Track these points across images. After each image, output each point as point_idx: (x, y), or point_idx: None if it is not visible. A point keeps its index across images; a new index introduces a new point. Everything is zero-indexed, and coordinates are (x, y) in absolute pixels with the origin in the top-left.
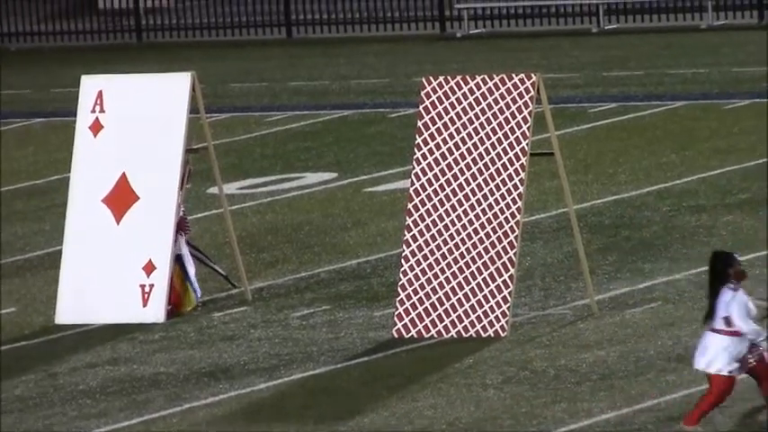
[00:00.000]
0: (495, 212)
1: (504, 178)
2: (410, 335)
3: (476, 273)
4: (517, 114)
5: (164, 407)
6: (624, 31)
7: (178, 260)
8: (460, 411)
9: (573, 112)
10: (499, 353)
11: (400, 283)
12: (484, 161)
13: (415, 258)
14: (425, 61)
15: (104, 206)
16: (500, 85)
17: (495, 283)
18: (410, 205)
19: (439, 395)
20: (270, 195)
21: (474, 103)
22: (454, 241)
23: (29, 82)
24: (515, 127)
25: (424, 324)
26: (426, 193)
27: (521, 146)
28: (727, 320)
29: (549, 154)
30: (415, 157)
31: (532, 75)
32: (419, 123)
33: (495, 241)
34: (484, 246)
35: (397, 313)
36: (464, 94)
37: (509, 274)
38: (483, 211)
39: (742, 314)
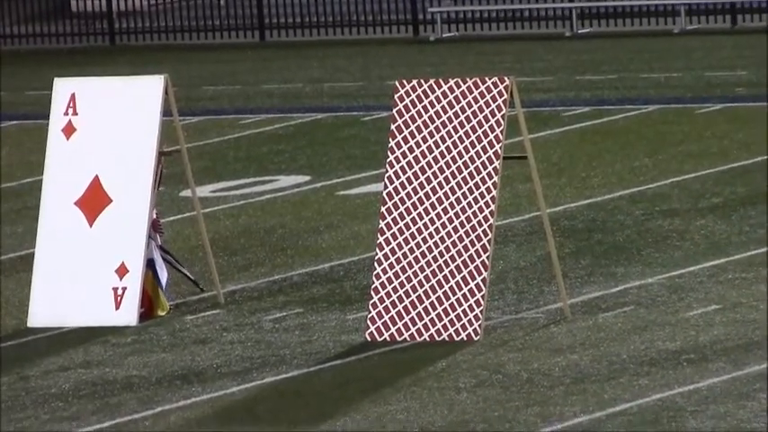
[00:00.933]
0: (468, 216)
1: (477, 181)
2: (383, 338)
3: (449, 276)
4: (490, 118)
5: (136, 410)
6: (597, 36)
7: (150, 265)
8: (433, 415)
9: (546, 116)
10: (472, 356)
11: (373, 286)
12: (457, 164)
13: (388, 261)
14: (399, 64)
15: (77, 209)
16: (473, 89)
17: (469, 287)
18: (383, 208)
19: (412, 399)
20: (243, 198)
21: (447, 107)
22: (427, 244)
23: (2, 84)
24: (488, 130)
25: (396, 327)
26: (399, 196)
27: (494, 149)
28: None
29: (522, 157)
30: (388, 160)
31: (506, 78)
32: (392, 126)
33: (468, 244)
34: (457, 249)
35: (369, 316)
36: (437, 98)
37: (482, 277)
38: (456, 214)
39: None
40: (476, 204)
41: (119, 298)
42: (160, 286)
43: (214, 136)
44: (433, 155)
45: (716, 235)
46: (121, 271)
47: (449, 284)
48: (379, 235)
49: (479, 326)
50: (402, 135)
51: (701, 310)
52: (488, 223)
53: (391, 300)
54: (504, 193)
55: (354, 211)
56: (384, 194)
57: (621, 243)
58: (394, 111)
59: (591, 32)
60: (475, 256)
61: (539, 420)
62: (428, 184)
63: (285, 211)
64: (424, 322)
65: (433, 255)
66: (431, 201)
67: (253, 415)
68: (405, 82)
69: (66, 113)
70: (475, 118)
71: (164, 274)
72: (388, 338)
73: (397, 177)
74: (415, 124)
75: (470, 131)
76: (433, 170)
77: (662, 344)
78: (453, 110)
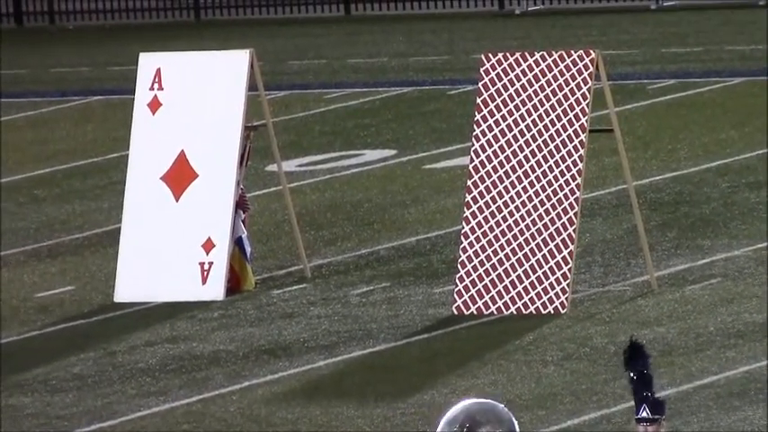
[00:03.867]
0: (555, 189)
1: (563, 155)
2: (470, 312)
3: (535, 249)
4: (576, 91)
5: (223, 384)
6: (682, 8)
7: (237, 242)
8: (521, 388)
9: (632, 89)
10: (559, 329)
11: (460, 259)
12: (543, 138)
13: (475, 235)
14: (484, 38)
15: (163, 183)
16: (559, 62)
17: (555, 260)
18: (469, 182)
19: (499, 372)
20: (329, 173)
21: (533, 80)
22: (514, 218)
23: (87, 60)
24: (574, 103)
25: (483, 301)
26: (486, 169)
27: (580, 122)
28: None
29: (608, 130)
30: (474, 133)
31: (591, 51)
32: (478, 100)
33: (555, 218)
34: (543, 222)
35: (456, 290)
36: (523, 71)
37: (569, 250)
38: (542, 187)
39: None
40: (562, 177)
41: (205, 273)
42: (247, 261)
43: (300, 110)
44: (518, 128)
45: None
46: (208, 246)
47: (535, 258)
48: (465, 208)
49: (566, 299)
50: (488, 108)
51: None
52: (575, 196)
53: (478, 273)
54: (590, 166)
55: (440, 184)
56: (470, 168)
57: (708, 216)
58: (480, 84)
59: (676, 5)
60: (561, 230)
61: (626, 393)
62: (514, 158)
63: (371, 185)
64: (510, 296)
65: (519, 228)
66: (517, 174)
67: (340, 389)
68: (490, 55)
69: (151, 88)
70: (560, 91)
71: (249, 250)
72: (474, 312)
73: (483, 151)
74: (501, 98)
75: (556, 105)
76: (519, 143)
77: (749, 316)
78: (539, 83)
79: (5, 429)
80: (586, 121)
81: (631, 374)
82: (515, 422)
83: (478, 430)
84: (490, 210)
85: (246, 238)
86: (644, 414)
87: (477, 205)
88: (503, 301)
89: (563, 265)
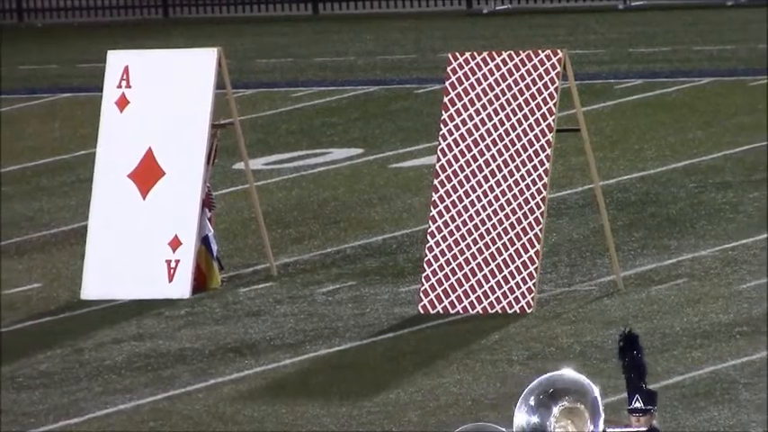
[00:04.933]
0: (522, 188)
1: (530, 154)
2: (436, 311)
3: (502, 249)
4: (543, 91)
5: (189, 382)
6: (650, 8)
7: (204, 240)
8: (486, 387)
9: (599, 89)
10: (525, 329)
11: (426, 258)
12: (510, 137)
13: (441, 234)
14: (452, 37)
15: (130, 181)
16: (526, 62)
17: (521, 259)
18: (436, 181)
19: (465, 371)
20: (296, 171)
21: (500, 80)
22: (480, 217)
23: (55, 57)
24: (541, 103)
25: (449, 300)
26: (452, 168)
27: (547, 122)
28: None
29: (575, 130)
30: (440, 132)
31: (558, 51)
32: (445, 99)
33: (521, 217)
34: (510, 222)
35: (422, 289)
36: (490, 71)
37: (535, 250)
38: (509, 187)
39: None
40: (528, 177)
41: (172, 270)
42: (213, 259)
43: (267, 109)
44: (485, 127)
45: None
46: (174, 243)
47: (502, 257)
48: (431, 207)
49: (532, 298)
50: (455, 108)
51: (754, 283)
52: (541, 196)
53: (444, 272)
54: (556, 165)
55: (407, 183)
56: (437, 167)
57: (674, 216)
58: (447, 83)
59: (643, 4)
60: (528, 229)
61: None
62: (481, 157)
63: (338, 184)
64: (476, 295)
65: (485, 227)
66: (483, 173)
67: (306, 388)
68: (457, 55)
69: (119, 86)
70: (528, 91)
71: (215, 248)
72: (440, 311)
73: (450, 150)
74: (468, 97)
75: (523, 104)
76: (485, 142)
77: (715, 316)
78: (506, 82)
79: None
80: (553, 120)
81: (625, 365)
82: (599, 399)
83: (562, 400)
84: (456, 209)
85: (213, 236)
86: (636, 404)
87: (444, 204)
88: (469, 300)
89: (529, 264)
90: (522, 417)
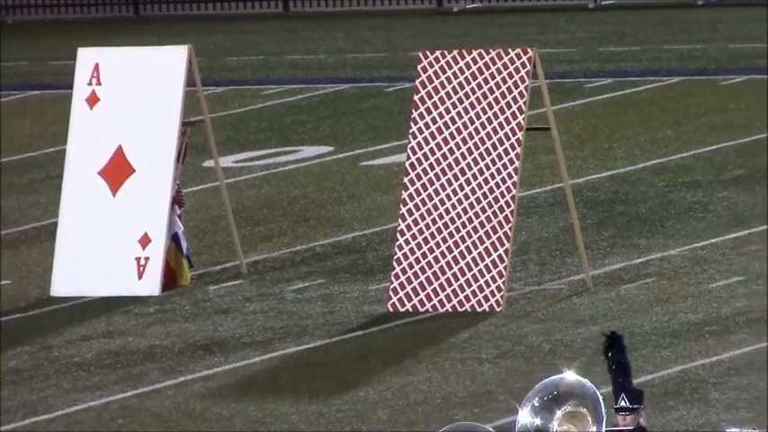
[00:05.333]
0: (491, 187)
1: (499, 153)
2: (405, 309)
3: (471, 247)
4: (513, 89)
5: (158, 380)
6: (620, 7)
7: (173, 237)
8: (455, 386)
9: (569, 88)
10: (494, 327)
11: (395, 257)
12: (480, 135)
13: (411, 232)
14: (422, 36)
15: (100, 178)
16: (496, 60)
17: (491, 258)
18: (406, 179)
19: (434, 369)
20: (266, 169)
21: (470, 78)
22: (450, 215)
23: (25, 54)
24: (511, 102)
25: (419, 298)
26: (422, 166)
27: (516, 120)
28: None
29: (544, 129)
30: (410, 130)
31: (528, 50)
32: (415, 97)
33: (491, 215)
34: (479, 220)
35: (392, 287)
36: (460, 69)
37: (504, 248)
38: (479, 185)
39: None
40: (498, 175)
41: (141, 268)
42: (183, 256)
43: (237, 106)
44: (455, 126)
45: (738, 207)
46: (144, 241)
47: (471, 255)
48: (401, 206)
49: (501, 297)
50: (425, 106)
51: (723, 282)
52: (511, 194)
53: (413, 271)
54: (526, 164)
55: (377, 181)
56: (407, 165)
57: (644, 215)
58: (417, 82)
59: (614, 4)
60: (497, 228)
61: None
62: (451, 155)
63: (308, 182)
64: (446, 293)
65: (455, 226)
66: (453, 172)
67: (275, 385)
68: (428, 53)
69: (89, 83)
70: (498, 89)
71: (185, 245)
72: (410, 309)
73: (420, 148)
74: (438, 95)
75: (493, 103)
76: (455, 141)
77: (684, 316)
78: (476, 81)
79: None
80: (523, 119)
81: (610, 364)
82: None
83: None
84: (426, 207)
85: (182, 233)
86: (623, 403)
87: (414, 202)
88: (438, 298)
89: (498, 263)
90: (525, 418)
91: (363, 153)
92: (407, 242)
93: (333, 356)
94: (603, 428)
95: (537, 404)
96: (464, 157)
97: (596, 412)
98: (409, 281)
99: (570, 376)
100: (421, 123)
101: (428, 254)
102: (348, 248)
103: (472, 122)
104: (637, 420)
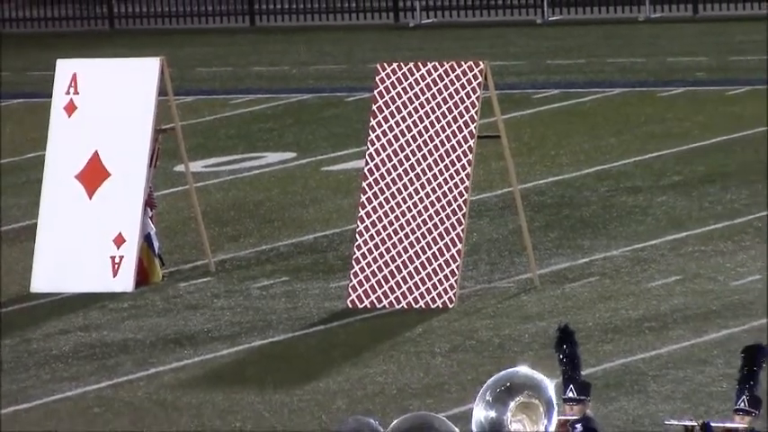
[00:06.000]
0: (445, 191)
1: (452, 159)
2: (363, 305)
3: (426, 247)
4: (466, 99)
5: (132, 371)
6: (567, 23)
7: (146, 238)
8: (410, 378)
9: (518, 98)
10: (447, 323)
11: (354, 256)
12: (434, 143)
13: (369, 233)
14: (380, 49)
15: (77, 182)
16: (450, 72)
17: (444, 258)
18: (364, 183)
19: (390, 362)
20: (233, 173)
21: (425, 89)
22: (405, 218)
23: (7, 65)
24: (464, 111)
25: (376, 295)
26: (380, 172)
27: (469, 129)
28: None
29: (495, 137)
30: (369, 138)
31: (480, 62)
32: (373, 107)
33: (444, 218)
34: (433, 222)
35: (351, 285)
36: (416, 80)
37: (457, 248)
38: (433, 189)
39: None
40: (451, 180)
41: (116, 266)
42: (155, 255)
43: (206, 114)
44: (411, 134)
45: (676, 210)
46: (119, 240)
47: (425, 255)
48: (359, 208)
49: (454, 294)
50: (382, 115)
51: (662, 281)
52: (463, 198)
53: (371, 269)
54: (478, 170)
55: (337, 185)
56: (365, 170)
57: (588, 218)
58: (375, 92)
59: (561, 19)
60: (450, 229)
61: None
62: (407, 161)
63: (272, 186)
64: (401, 290)
65: (411, 227)
66: (409, 177)
67: (241, 376)
68: (385, 65)
69: (67, 92)
70: (451, 99)
71: (157, 245)
72: (368, 305)
73: (378, 155)
74: (395, 105)
75: (447, 112)
76: (411, 148)
77: (625, 312)
78: (431, 91)
79: None
80: (475, 127)
81: (561, 357)
82: (554, 394)
83: (517, 395)
84: (383, 210)
85: (155, 234)
86: (570, 394)
87: (372, 205)
88: (394, 295)
89: (451, 262)
90: (480, 412)
91: (325, 159)
92: (366, 242)
93: (295, 350)
94: (555, 418)
95: (490, 398)
96: (419, 163)
97: (548, 404)
98: (367, 279)
99: (523, 369)
100: (379, 131)
101: (385, 253)
102: (310, 248)
103: (427, 130)
104: (584, 411)
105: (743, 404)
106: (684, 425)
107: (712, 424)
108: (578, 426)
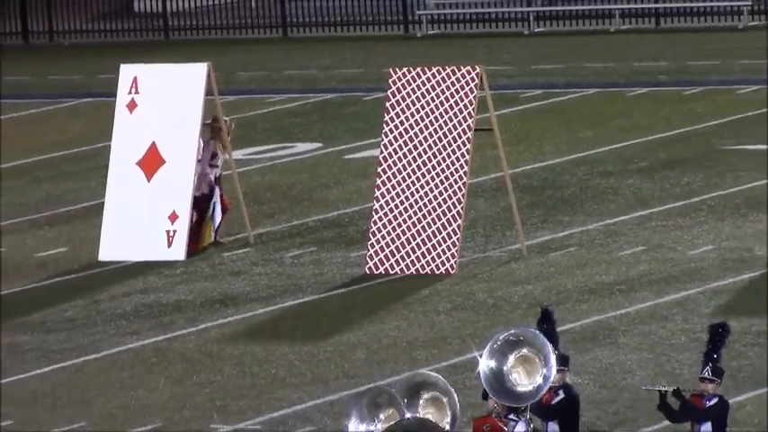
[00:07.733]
0: (447, 175)
1: (453, 149)
2: (379, 271)
3: (431, 222)
4: (464, 98)
5: (183, 327)
6: (550, 34)
7: (213, 206)
8: (418, 333)
9: (508, 97)
10: (449, 286)
11: (371, 230)
12: (438, 135)
13: (383, 211)
14: (392, 56)
15: (138, 168)
16: (451, 75)
17: (447, 231)
18: (379, 169)
19: (401, 319)
20: (269, 160)
21: (430, 89)
22: (414, 197)
23: (79, 69)
24: (462, 108)
25: (390, 263)
26: (392, 159)
27: (467, 123)
28: None
29: (488, 130)
30: (383, 131)
31: (476, 67)
32: (387, 105)
33: (447, 198)
34: (438, 201)
35: (368, 254)
36: (423, 82)
37: (457, 224)
38: (437, 174)
39: None
40: (452, 166)
41: (170, 239)
42: (213, 223)
43: (247, 111)
44: (419, 127)
45: (642, 191)
46: (173, 217)
47: (431, 229)
48: (375, 190)
49: (455, 262)
50: (395, 111)
51: (630, 251)
52: (462, 181)
53: (386, 241)
54: (474, 157)
55: (357, 171)
56: (380, 158)
57: (567, 197)
58: (388, 92)
59: (544, 31)
60: (452, 207)
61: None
62: (415, 150)
63: (302, 171)
64: (411, 259)
65: (419, 205)
66: (417, 163)
67: (275, 331)
68: (397, 69)
69: (129, 92)
70: (452, 98)
71: (218, 216)
72: (383, 272)
73: (391, 145)
74: (405, 103)
75: (448, 109)
76: (419, 139)
77: (599, 277)
78: (435, 92)
79: (10, 362)
80: (472, 122)
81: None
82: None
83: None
84: (396, 191)
85: (220, 209)
86: None
87: (386, 187)
88: (405, 263)
89: (452, 235)
90: (483, 362)
91: (346, 148)
92: (381, 218)
93: (321, 309)
94: (553, 371)
95: (496, 347)
96: (425, 152)
97: (546, 359)
98: (382, 249)
99: (526, 330)
100: (392, 125)
101: (397, 228)
102: (334, 223)
103: (432, 124)
104: (563, 379)
105: (707, 373)
106: (658, 390)
107: (682, 390)
108: (560, 392)
